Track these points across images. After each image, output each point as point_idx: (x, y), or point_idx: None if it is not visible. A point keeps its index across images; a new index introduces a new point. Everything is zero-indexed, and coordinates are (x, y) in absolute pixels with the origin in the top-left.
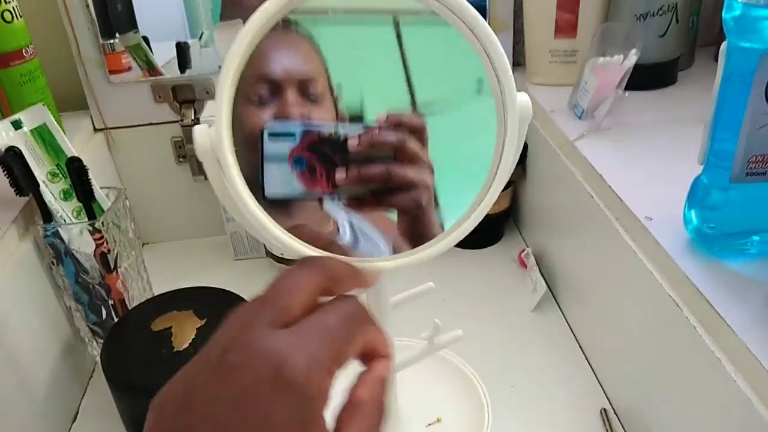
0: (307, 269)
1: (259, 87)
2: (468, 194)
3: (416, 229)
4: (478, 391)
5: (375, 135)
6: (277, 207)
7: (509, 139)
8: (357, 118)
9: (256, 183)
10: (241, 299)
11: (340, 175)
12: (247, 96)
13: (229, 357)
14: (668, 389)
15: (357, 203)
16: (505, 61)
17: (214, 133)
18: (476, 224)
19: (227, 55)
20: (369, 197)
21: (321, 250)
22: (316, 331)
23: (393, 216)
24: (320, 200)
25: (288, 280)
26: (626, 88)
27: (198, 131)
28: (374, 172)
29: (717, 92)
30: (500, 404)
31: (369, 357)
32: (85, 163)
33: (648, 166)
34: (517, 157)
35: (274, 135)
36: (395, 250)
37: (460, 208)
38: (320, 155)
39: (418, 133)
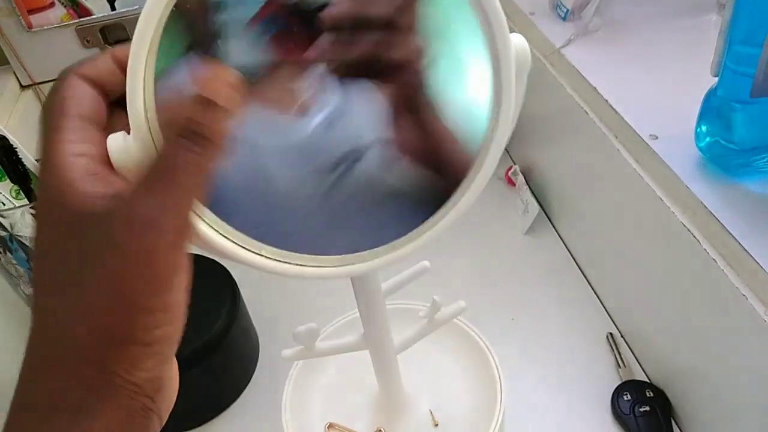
0: None
1: None
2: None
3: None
4: (489, 361)
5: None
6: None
7: (506, 91)
8: None
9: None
10: (219, 265)
11: (312, 53)
12: None
13: None
14: (681, 314)
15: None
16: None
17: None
18: (483, 186)
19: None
20: (348, 71)
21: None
22: None
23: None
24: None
25: None
26: None
27: (113, 141)
28: (357, 51)
29: None
30: (502, 340)
31: None
32: (12, 140)
33: (647, 72)
34: (518, 113)
35: (225, 2)
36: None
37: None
38: (287, 27)
39: None
